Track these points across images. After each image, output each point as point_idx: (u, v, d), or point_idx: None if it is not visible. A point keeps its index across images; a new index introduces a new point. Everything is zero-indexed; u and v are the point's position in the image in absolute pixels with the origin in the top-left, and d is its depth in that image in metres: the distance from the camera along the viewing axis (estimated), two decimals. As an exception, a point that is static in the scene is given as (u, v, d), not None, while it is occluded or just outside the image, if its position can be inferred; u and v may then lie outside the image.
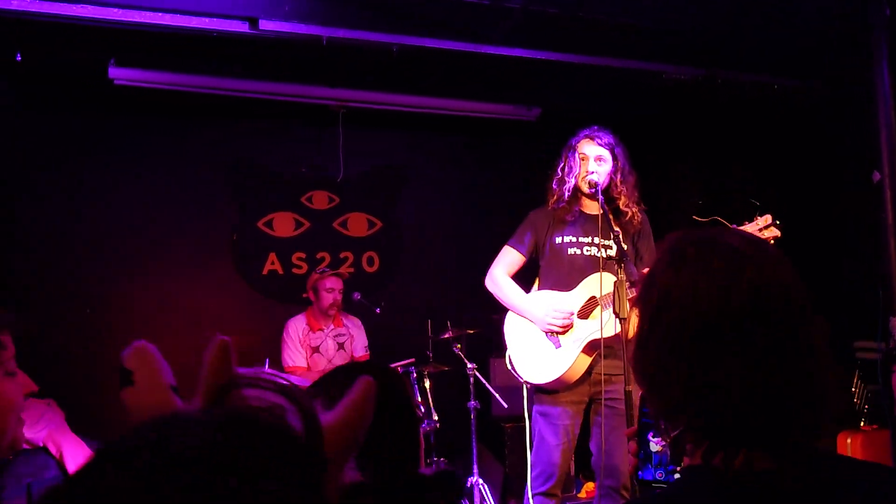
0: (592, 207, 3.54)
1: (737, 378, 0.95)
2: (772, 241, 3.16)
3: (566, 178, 3.47)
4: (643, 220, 3.55)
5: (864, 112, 4.42)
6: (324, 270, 5.01)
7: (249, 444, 0.59)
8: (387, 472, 1.32)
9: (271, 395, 0.65)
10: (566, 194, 3.47)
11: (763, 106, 5.56)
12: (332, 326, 5.00)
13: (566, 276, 3.48)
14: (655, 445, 1.22)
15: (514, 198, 3.78)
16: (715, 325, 0.97)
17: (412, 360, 4.63)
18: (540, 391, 3.48)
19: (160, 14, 4.08)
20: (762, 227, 3.19)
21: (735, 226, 3.18)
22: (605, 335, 3.25)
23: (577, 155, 3.48)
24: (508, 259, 3.61)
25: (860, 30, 4.34)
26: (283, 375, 0.66)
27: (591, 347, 3.36)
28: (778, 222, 3.20)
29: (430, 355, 4.79)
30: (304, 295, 5.13)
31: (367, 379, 0.72)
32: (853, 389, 4.86)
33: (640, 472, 1.23)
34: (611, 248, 3.36)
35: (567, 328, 3.39)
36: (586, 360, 3.37)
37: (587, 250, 3.49)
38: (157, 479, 0.54)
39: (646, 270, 1.12)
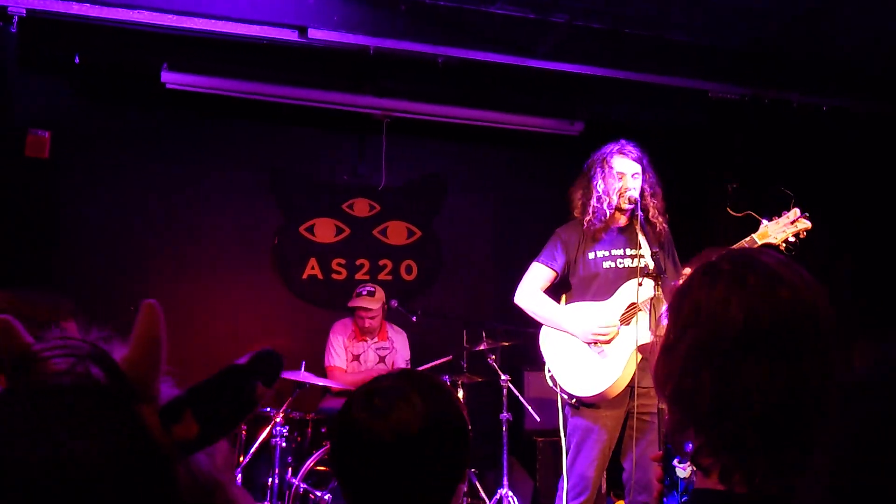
0: (622, 220, 3.54)
1: (761, 393, 0.97)
2: (804, 234, 3.15)
3: (605, 196, 3.45)
4: (667, 230, 3.58)
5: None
6: (360, 292, 5.01)
7: (58, 409, 0.66)
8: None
9: (68, 357, 0.72)
10: (607, 213, 3.47)
11: (813, 127, 5.47)
12: (376, 339, 5.04)
13: (603, 288, 3.48)
14: (682, 472, 1.19)
15: (554, 213, 3.77)
16: (744, 339, 0.99)
17: (448, 357, 4.65)
18: (581, 405, 3.46)
19: (213, 21, 4.19)
20: (793, 219, 3.17)
21: (766, 219, 3.17)
22: (645, 340, 3.25)
23: (613, 172, 3.48)
24: (540, 276, 3.62)
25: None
26: (73, 336, 0.73)
27: (640, 352, 3.35)
28: (807, 214, 3.16)
29: (465, 365, 4.78)
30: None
31: (147, 303, 0.80)
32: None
33: (665, 499, 1.20)
34: (643, 256, 3.37)
35: (613, 338, 3.38)
36: (633, 368, 3.35)
37: (621, 262, 3.49)
38: None
39: (678, 283, 1.14)
